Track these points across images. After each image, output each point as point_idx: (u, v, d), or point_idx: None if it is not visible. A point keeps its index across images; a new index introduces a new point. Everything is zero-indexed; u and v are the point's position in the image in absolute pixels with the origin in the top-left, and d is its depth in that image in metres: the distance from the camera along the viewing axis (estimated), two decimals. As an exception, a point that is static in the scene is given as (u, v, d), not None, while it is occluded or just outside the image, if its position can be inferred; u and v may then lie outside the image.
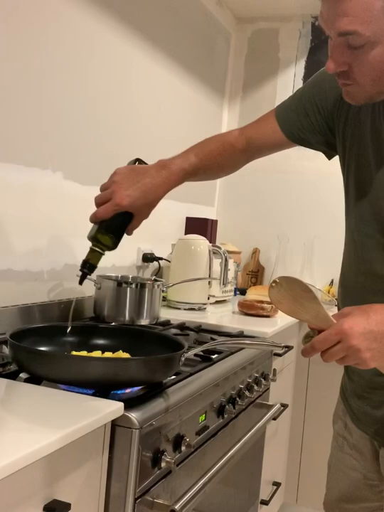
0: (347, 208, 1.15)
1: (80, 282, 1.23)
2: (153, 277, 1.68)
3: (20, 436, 0.78)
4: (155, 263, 2.19)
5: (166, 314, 1.86)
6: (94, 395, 1.01)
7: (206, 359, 1.35)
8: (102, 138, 1.85)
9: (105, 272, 1.83)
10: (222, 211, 2.84)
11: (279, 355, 1.80)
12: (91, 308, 1.71)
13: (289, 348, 1.88)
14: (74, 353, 1.18)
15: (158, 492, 1.04)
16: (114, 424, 0.95)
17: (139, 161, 1.27)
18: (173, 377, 1.16)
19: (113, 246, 1.19)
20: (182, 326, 1.74)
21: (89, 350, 1.20)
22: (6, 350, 1.09)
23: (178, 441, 1.08)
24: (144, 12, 2.02)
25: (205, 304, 2.08)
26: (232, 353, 1.45)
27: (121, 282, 1.67)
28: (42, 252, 1.61)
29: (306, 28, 2.74)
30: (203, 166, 1.28)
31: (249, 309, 2.01)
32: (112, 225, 1.17)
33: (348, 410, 1.22)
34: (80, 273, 1.22)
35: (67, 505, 0.84)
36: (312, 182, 2.67)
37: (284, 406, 1.76)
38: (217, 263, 2.12)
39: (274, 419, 1.64)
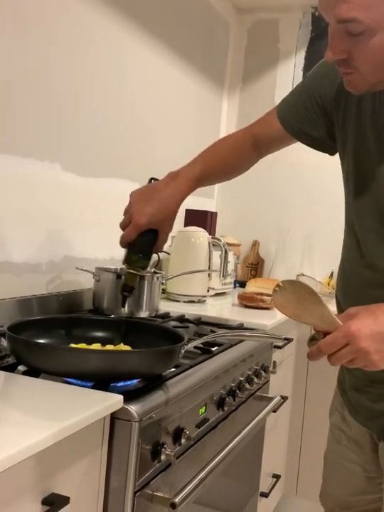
0: (347, 201, 1.13)
1: (123, 305, 1.41)
2: (153, 269, 1.66)
3: (18, 430, 0.77)
4: (154, 255, 2.17)
5: (165, 307, 1.86)
6: (93, 387, 1.00)
7: (206, 351, 1.34)
8: (101, 129, 1.83)
9: (104, 264, 1.82)
10: (222, 203, 2.83)
11: (279, 347, 1.80)
12: (90, 300, 1.71)
13: (288, 340, 1.87)
14: (73, 345, 1.17)
15: (158, 485, 1.03)
16: (114, 416, 0.94)
17: (153, 179, 1.32)
18: (173, 369, 1.16)
19: (145, 265, 1.28)
20: (182, 319, 1.73)
21: (88, 343, 1.20)
22: (4, 342, 1.09)
23: (177, 434, 1.07)
24: (144, 2, 2.00)
25: (204, 297, 2.08)
26: (231, 346, 1.44)
27: (120, 274, 1.66)
28: (40, 244, 1.60)
29: (306, 19, 2.72)
30: (213, 170, 1.31)
31: (249, 301, 2.01)
32: (137, 246, 1.25)
33: (346, 403, 1.21)
34: (120, 296, 1.33)
35: (66, 499, 0.83)
36: (312, 174, 2.66)
37: (284, 398, 1.75)
38: (216, 255, 2.11)
39: (274, 411, 1.63)
